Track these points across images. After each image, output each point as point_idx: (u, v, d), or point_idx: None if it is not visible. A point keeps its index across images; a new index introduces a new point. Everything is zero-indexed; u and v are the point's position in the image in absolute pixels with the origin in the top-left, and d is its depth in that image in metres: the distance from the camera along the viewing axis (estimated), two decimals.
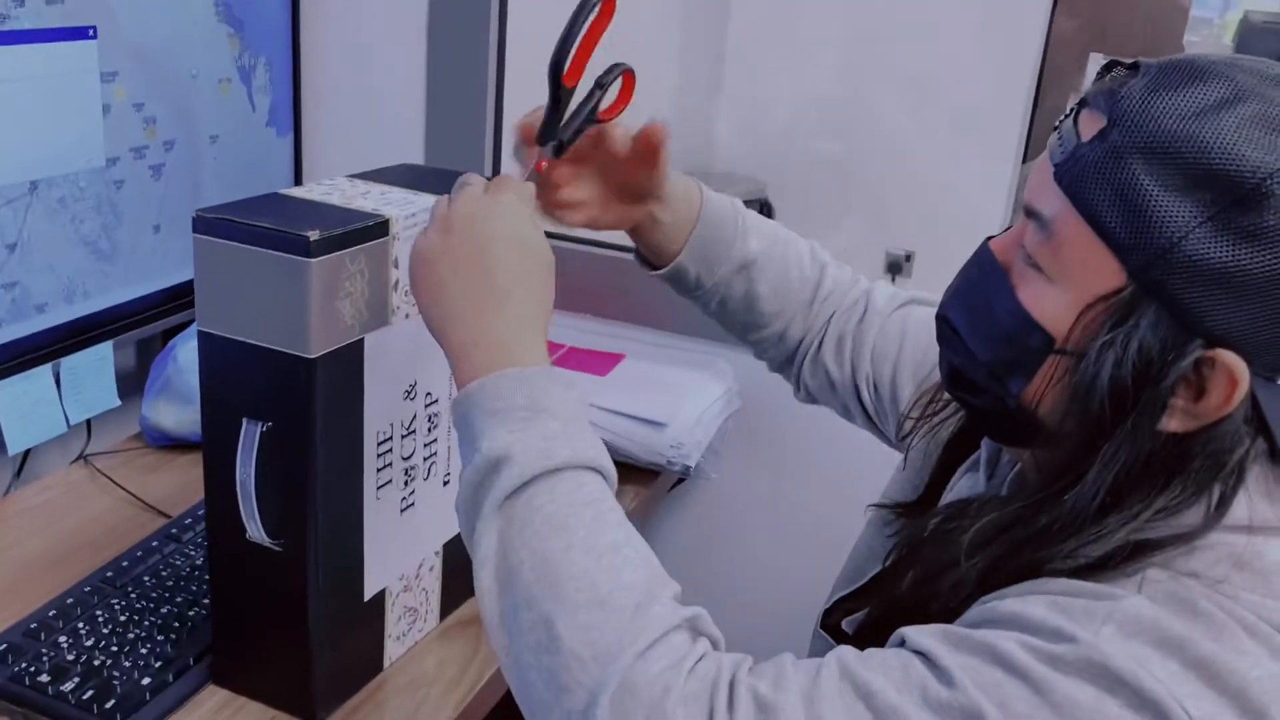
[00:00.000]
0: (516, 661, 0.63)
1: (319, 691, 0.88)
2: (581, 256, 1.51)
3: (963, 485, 0.83)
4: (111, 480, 1.19)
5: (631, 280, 1.53)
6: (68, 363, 1.21)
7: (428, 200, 0.87)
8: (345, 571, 0.88)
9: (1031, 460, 0.74)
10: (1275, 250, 0.59)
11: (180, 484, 1.19)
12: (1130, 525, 0.64)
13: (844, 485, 1.12)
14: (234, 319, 0.81)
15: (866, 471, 1.02)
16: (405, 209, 0.85)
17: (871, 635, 0.72)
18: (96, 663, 0.89)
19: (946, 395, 0.82)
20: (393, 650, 0.96)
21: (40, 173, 1.13)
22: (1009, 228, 0.73)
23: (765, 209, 2.57)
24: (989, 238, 0.73)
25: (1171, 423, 0.63)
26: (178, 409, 1.24)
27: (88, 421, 1.28)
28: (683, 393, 1.36)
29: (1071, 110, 0.68)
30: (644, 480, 1.30)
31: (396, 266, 0.84)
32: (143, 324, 1.29)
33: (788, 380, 1.08)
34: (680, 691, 0.60)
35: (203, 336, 0.83)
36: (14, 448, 1.16)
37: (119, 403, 1.27)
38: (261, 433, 0.82)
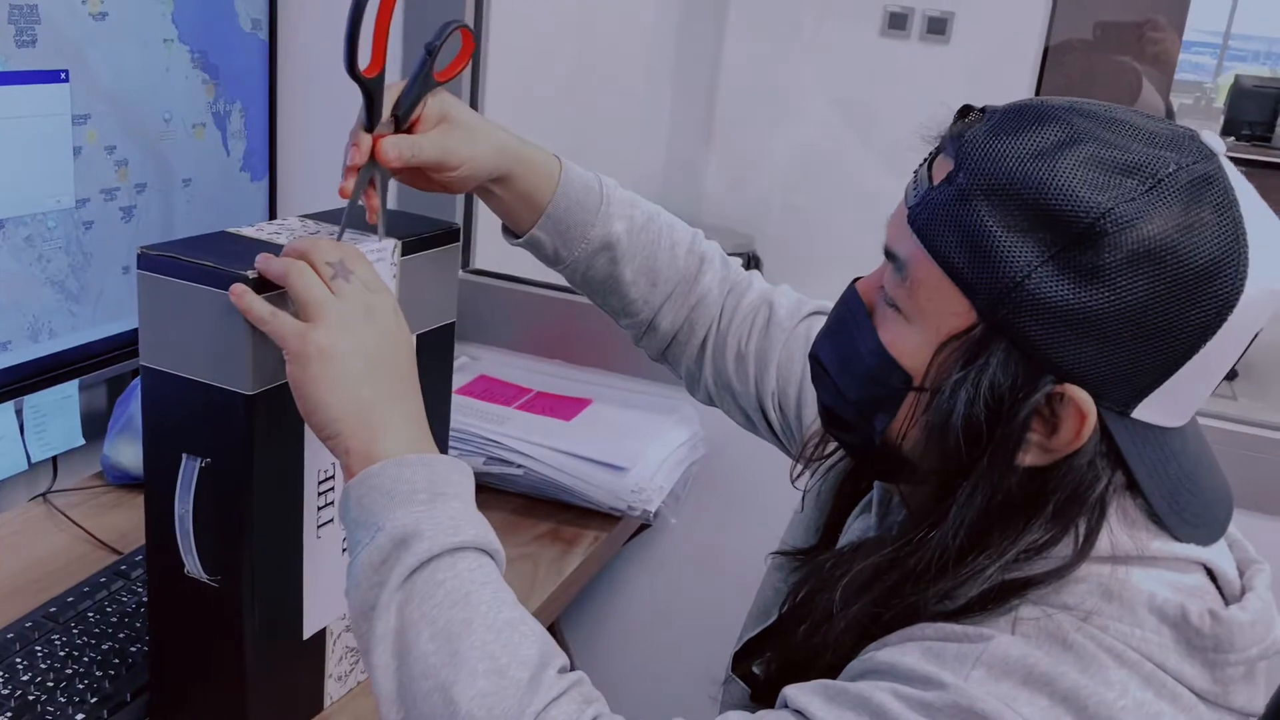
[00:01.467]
0: None
1: None
2: (550, 302, 1.53)
3: (856, 527, 0.84)
4: (67, 517, 1.20)
5: (600, 326, 1.54)
6: (31, 400, 1.22)
7: (378, 243, 0.88)
8: (283, 609, 0.88)
9: (907, 500, 0.76)
10: (1114, 288, 0.61)
11: (137, 523, 1.18)
12: (999, 563, 0.65)
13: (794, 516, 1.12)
14: (175, 355, 0.82)
15: None
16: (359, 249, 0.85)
17: (778, 681, 0.72)
18: (31, 698, 0.89)
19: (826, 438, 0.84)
20: (333, 690, 0.96)
21: (8, 211, 1.15)
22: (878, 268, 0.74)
23: (753, 262, 2.59)
24: (856, 278, 0.75)
25: (1027, 457, 0.65)
26: (138, 448, 1.24)
27: (54, 460, 1.29)
28: (646, 438, 1.36)
29: (928, 156, 0.70)
30: (605, 525, 1.30)
31: None
32: (109, 364, 1.30)
33: (675, 373, 1.07)
34: None
35: (145, 371, 0.84)
36: None
37: (83, 441, 1.28)
38: (200, 468, 0.82)
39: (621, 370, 1.52)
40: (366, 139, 0.85)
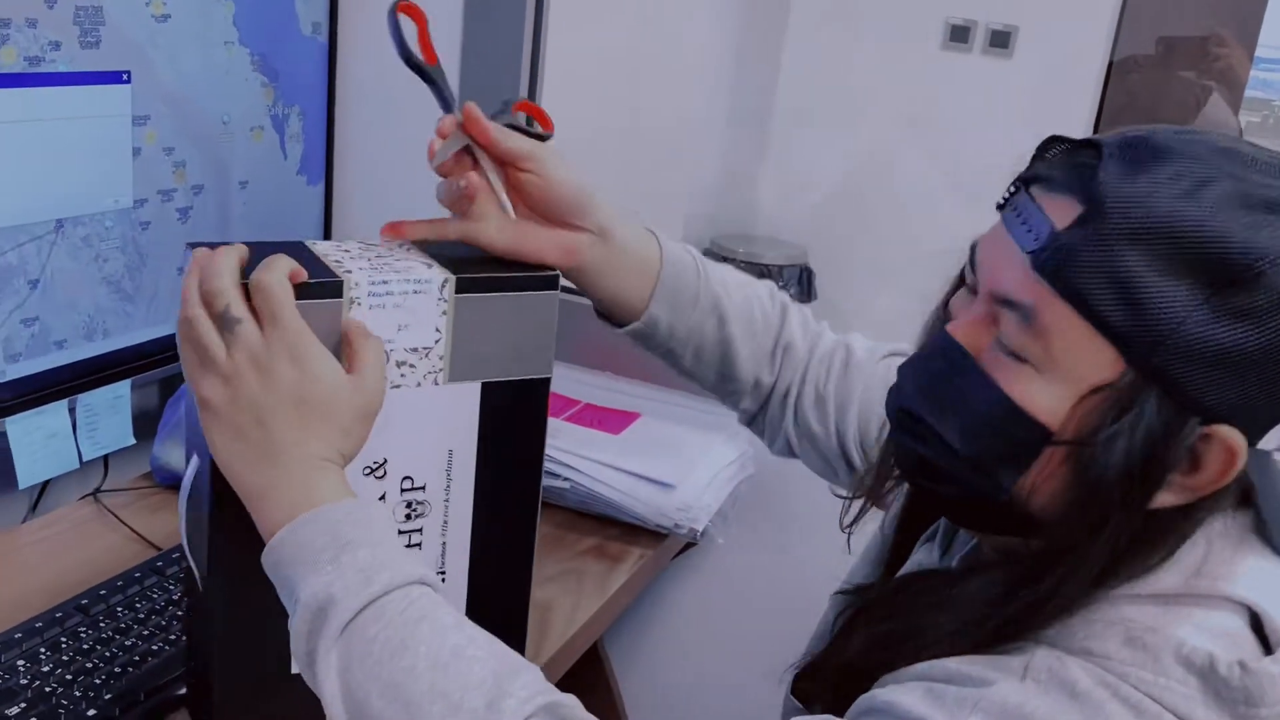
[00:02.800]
0: None
1: None
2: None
3: (918, 558, 0.81)
4: (116, 517, 1.20)
5: None
6: (84, 399, 1.23)
7: (425, 272, 0.83)
8: (261, 635, 0.83)
9: (983, 537, 0.73)
10: (1267, 326, 0.60)
11: None
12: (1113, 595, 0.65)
13: (857, 558, 1.10)
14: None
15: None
16: (385, 275, 0.81)
17: (834, 702, 0.71)
18: (48, 689, 0.89)
19: (888, 476, 0.82)
20: None
21: (66, 211, 1.16)
22: (945, 301, 0.73)
23: (806, 274, 2.56)
24: (945, 324, 0.72)
25: (1167, 498, 0.64)
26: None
27: (105, 459, 1.30)
28: (695, 455, 1.34)
29: (1016, 188, 0.67)
30: (651, 542, 1.28)
31: None
32: (161, 364, 1.30)
33: (758, 433, 1.05)
34: None
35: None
36: (25, 481, 1.17)
37: (134, 441, 1.29)
38: (198, 469, 0.81)
39: (670, 384, 1.50)
40: (448, 117, 0.85)
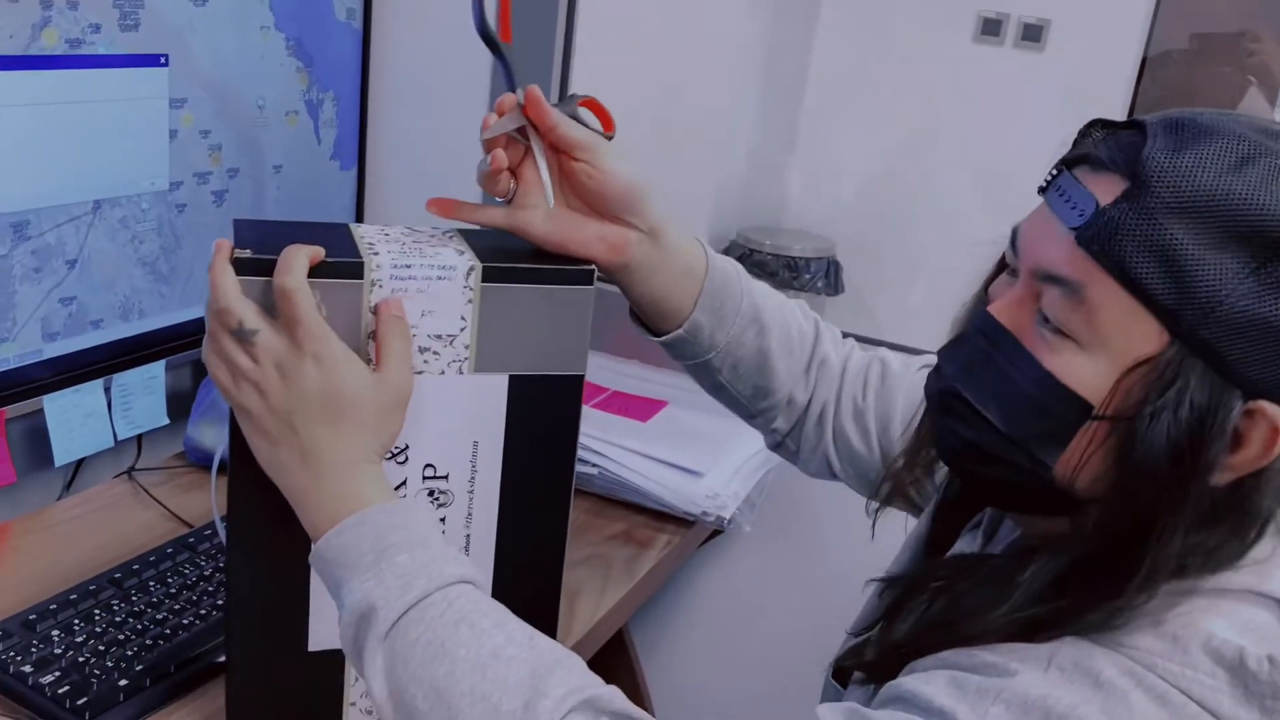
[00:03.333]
0: None
1: (232, 714, 0.86)
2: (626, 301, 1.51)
3: (961, 545, 0.81)
4: (150, 495, 1.22)
5: None
6: (119, 379, 1.24)
7: (454, 259, 0.82)
8: (279, 610, 0.84)
9: (1026, 524, 0.73)
10: None
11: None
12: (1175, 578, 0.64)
13: (883, 546, 1.10)
14: None
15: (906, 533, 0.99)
16: (410, 259, 0.80)
17: (879, 673, 0.72)
18: (81, 659, 0.91)
19: (920, 464, 0.83)
20: None
21: (104, 192, 1.17)
22: (985, 287, 0.72)
23: (834, 267, 2.56)
24: (986, 305, 0.71)
25: (1214, 477, 0.64)
26: (221, 430, 1.26)
27: (139, 438, 1.31)
28: (722, 444, 1.34)
29: (1059, 170, 0.67)
30: (678, 529, 1.28)
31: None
32: (196, 346, 1.32)
33: (789, 455, 1.04)
34: None
35: None
36: (61, 459, 1.19)
37: (167, 421, 1.30)
38: (226, 449, 0.81)
39: None
40: (509, 96, 0.83)
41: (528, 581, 0.91)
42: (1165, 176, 0.62)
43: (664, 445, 1.31)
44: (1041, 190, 0.69)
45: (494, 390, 0.85)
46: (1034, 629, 0.65)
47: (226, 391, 0.75)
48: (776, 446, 1.04)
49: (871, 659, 0.75)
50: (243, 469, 0.79)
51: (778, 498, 1.45)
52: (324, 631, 0.86)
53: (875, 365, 0.99)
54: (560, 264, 0.85)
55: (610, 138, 0.88)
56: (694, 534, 1.31)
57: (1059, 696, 0.60)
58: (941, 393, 0.72)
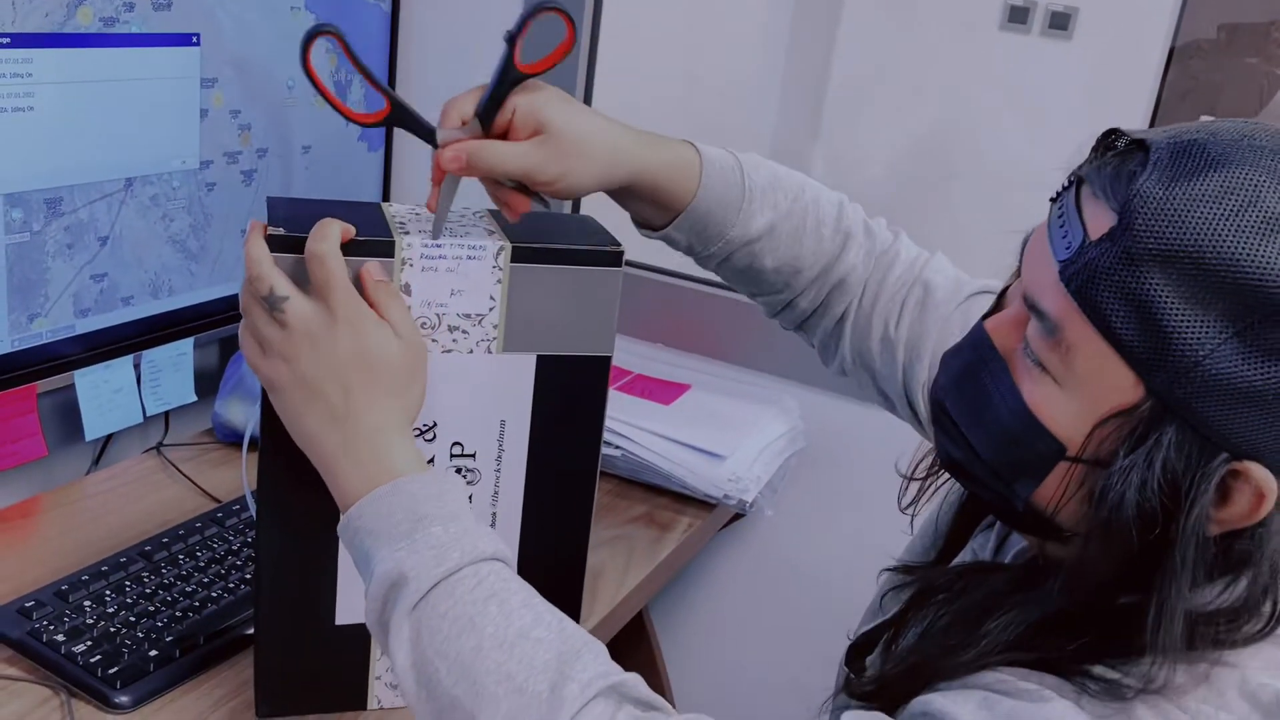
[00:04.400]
0: None
1: (262, 688, 0.88)
2: (651, 284, 1.52)
3: (973, 545, 0.81)
4: (179, 470, 1.23)
5: (703, 311, 1.54)
6: (148, 356, 1.25)
7: (482, 240, 0.82)
8: (307, 584, 0.86)
9: (1061, 552, 0.71)
10: None
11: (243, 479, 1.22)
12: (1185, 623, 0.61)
13: (906, 532, 1.10)
14: None
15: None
16: (441, 239, 0.81)
17: (888, 683, 0.71)
18: (112, 629, 0.92)
19: None
20: (384, 695, 0.92)
21: (136, 170, 1.18)
22: (1000, 296, 0.70)
23: None
24: (984, 316, 0.69)
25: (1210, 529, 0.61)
26: (248, 407, 1.27)
27: (166, 415, 1.33)
28: (745, 427, 1.35)
29: (1070, 184, 0.64)
30: (700, 512, 1.29)
31: (408, 294, 0.81)
32: (223, 324, 1.33)
33: (807, 342, 1.01)
34: None
35: None
36: (91, 433, 1.20)
37: (195, 398, 1.31)
38: (260, 417, 0.82)
39: (722, 358, 1.51)
40: (436, 155, 0.80)
41: (552, 560, 0.92)
42: (1152, 218, 0.57)
43: (686, 428, 1.31)
44: (1052, 200, 0.65)
45: (522, 370, 0.86)
46: (1048, 661, 0.63)
47: (255, 366, 0.75)
48: (790, 330, 1.01)
49: (877, 674, 0.74)
50: (273, 444, 0.80)
51: (800, 484, 1.45)
52: (352, 605, 0.87)
53: (916, 290, 0.94)
54: (589, 246, 0.86)
55: (532, 75, 0.81)
56: (715, 517, 1.32)
57: None
58: (935, 403, 0.71)
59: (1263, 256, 0.56)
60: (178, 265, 1.26)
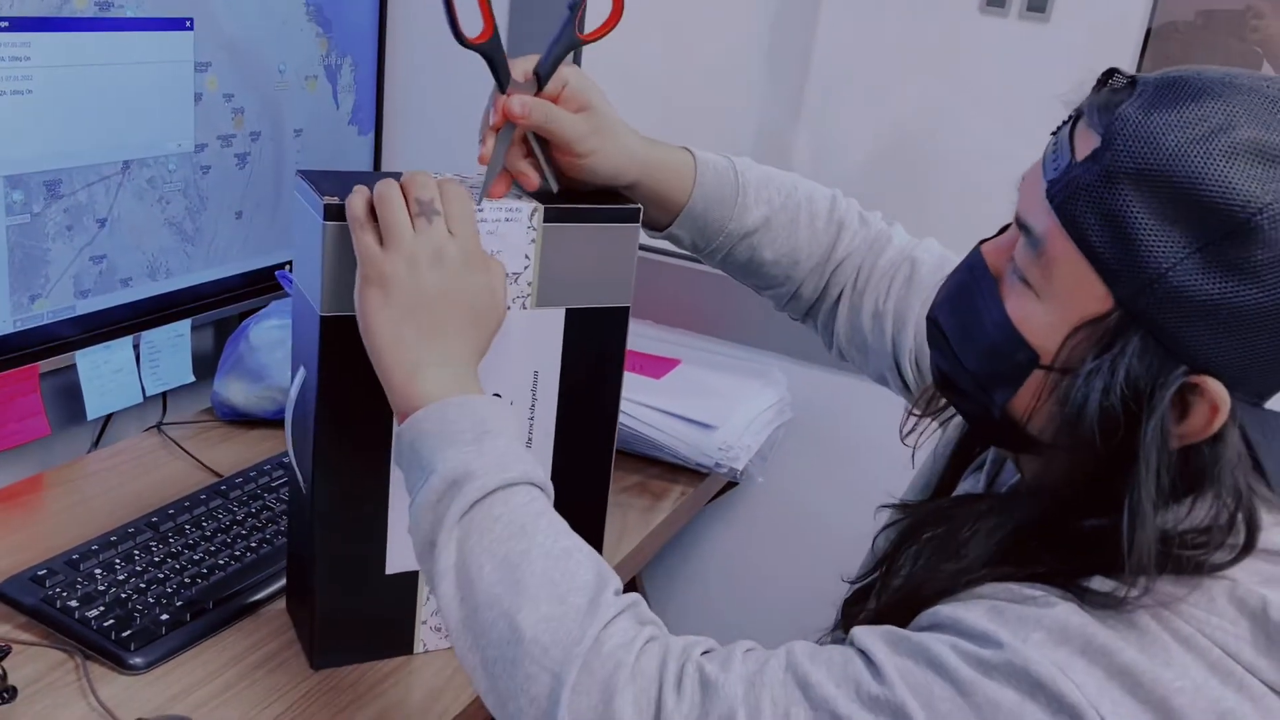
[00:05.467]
0: (482, 657, 0.68)
1: (319, 640, 0.92)
2: (644, 264, 1.54)
3: (965, 486, 0.84)
4: (181, 447, 1.25)
5: (692, 288, 1.56)
6: (147, 336, 1.27)
7: (515, 202, 0.86)
8: (360, 536, 0.90)
9: (1022, 467, 0.76)
10: (1262, 284, 0.59)
11: (245, 455, 1.24)
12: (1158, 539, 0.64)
13: (892, 495, 1.13)
14: (298, 269, 0.89)
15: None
16: (481, 204, 0.85)
17: (883, 615, 0.73)
18: (124, 595, 0.95)
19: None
20: (429, 639, 0.97)
21: (133, 153, 1.20)
22: (1003, 229, 0.73)
23: None
24: (982, 240, 0.74)
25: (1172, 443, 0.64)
26: (247, 386, 1.29)
27: (164, 396, 1.35)
28: (735, 398, 1.37)
29: (1069, 119, 0.68)
30: (692, 481, 1.32)
31: None
32: (220, 305, 1.35)
33: (812, 329, 1.07)
34: (631, 668, 0.65)
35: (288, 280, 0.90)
36: (93, 412, 1.22)
37: (193, 379, 1.33)
38: (303, 380, 0.86)
39: (710, 333, 1.54)
40: (502, 100, 0.86)
41: (579, 505, 0.97)
42: (1130, 139, 0.61)
43: (678, 400, 1.34)
44: (1053, 134, 0.70)
45: (552, 323, 0.91)
46: (1032, 571, 0.66)
47: (370, 257, 0.76)
48: (799, 320, 1.07)
49: (875, 608, 0.77)
50: (330, 401, 0.84)
51: (789, 452, 1.48)
52: (401, 554, 0.93)
53: (904, 267, 1.00)
54: (611, 205, 0.92)
55: (589, 42, 0.89)
56: (707, 485, 1.35)
57: (1099, 630, 0.62)
58: (929, 320, 0.76)
59: (1226, 179, 0.59)
60: (175, 247, 1.28)
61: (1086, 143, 0.64)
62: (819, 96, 2.78)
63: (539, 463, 0.92)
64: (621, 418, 1.32)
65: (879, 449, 1.26)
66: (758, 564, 1.58)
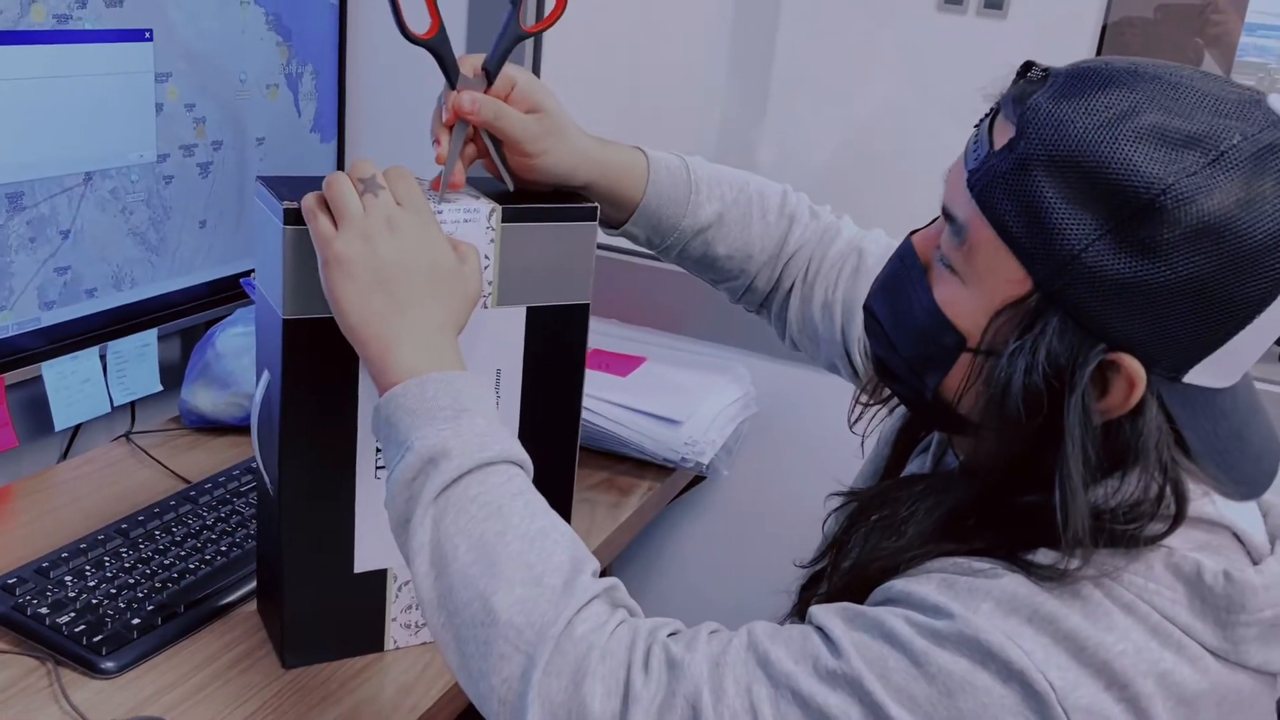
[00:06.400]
0: (456, 635, 0.69)
1: (289, 640, 0.93)
2: (606, 262, 1.56)
3: (912, 469, 0.86)
4: (149, 455, 1.26)
5: (657, 287, 1.58)
6: (114, 347, 1.28)
7: (473, 203, 0.88)
8: (328, 536, 0.91)
9: (956, 448, 0.78)
10: (1171, 263, 0.62)
11: (214, 461, 1.25)
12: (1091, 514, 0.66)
13: (843, 485, 1.15)
14: (260, 274, 0.90)
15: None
16: (439, 205, 0.86)
17: (834, 597, 0.75)
18: (95, 601, 0.95)
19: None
20: (399, 635, 0.98)
21: (95, 165, 1.21)
22: (934, 220, 0.76)
23: None
24: (913, 231, 0.76)
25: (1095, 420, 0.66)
26: (214, 393, 1.30)
27: (132, 405, 1.35)
28: (699, 394, 1.39)
29: (990, 112, 0.70)
30: (659, 476, 1.34)
31: None
32: (186, 314, 1.36)
33: (767, 322, 1.10)
34: (601, 649, 0.66)
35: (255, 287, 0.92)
36: (60, 423, 1.23)
37: (160, 388, 1.34)
38: (267, 382, 0.88)
39: (676, 330, 1.56)
40: (453, 96, 0.87)
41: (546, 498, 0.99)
42: (1041, 127, 0.64)
43: (643, 397, 1.36)
44: (976, 126, 0.72)
45: (514, 321, 0.93)
46: (975, 545, 0.69)
47: (326, 240, 0.77)
48: (754, 313, 1.10)
49: (827, 591, 0.79)
50: (296, 400, 0.85)
51: (754, 446, 1.50)
52: (369, 552, 0.94)
53: (852, 258, 1.02)
54: (567, 204, 0.93)
55: (533, 34, 0.91)
56: (674, 480, 1.37)
57: (1045, 599, 0.64)
58: (864, 309, 0.79)
59: (1131, 161, 0.62)
60: (139, 258, 1.28)
61: (1004, 133, 0.67)
62: (782, 96, 2.80)
63: None
64: (588, 415, 1.34)
65: (843, 441, 1.28)
66: (726, 556, 1.60)
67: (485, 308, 0.90)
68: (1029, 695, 0.62)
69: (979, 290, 0.68)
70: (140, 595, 0.97)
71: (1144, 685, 0.63)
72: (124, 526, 1.05)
